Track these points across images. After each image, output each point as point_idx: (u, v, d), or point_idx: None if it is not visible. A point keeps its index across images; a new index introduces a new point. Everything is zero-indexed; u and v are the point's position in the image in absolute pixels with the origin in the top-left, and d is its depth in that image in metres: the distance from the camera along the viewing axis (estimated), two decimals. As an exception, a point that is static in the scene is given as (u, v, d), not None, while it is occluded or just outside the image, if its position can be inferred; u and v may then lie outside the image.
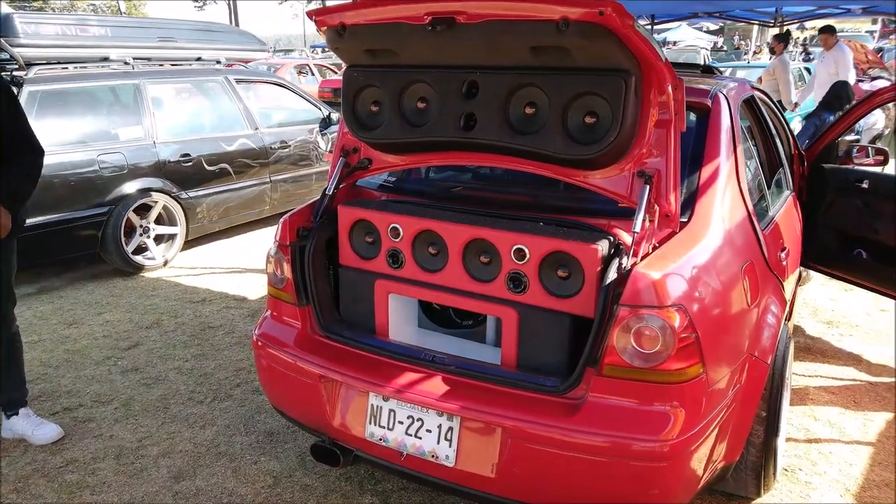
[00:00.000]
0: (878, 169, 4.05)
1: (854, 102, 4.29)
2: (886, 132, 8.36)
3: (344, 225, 2.50)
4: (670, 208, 2.11)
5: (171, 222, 5.73)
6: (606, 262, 2.06)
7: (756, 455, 2.46)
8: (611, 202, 2.28)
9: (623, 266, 2.01)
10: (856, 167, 4.09)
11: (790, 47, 14.45)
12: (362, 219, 2.46)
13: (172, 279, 5.44)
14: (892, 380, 3.63)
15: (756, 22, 9.41)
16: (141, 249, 5.62)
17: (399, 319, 2.51)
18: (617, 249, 2.10)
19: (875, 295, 4.00)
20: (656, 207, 2.11)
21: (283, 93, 7.09)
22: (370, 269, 2.47)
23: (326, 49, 34.17)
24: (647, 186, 2.10)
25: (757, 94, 3.36)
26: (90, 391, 3.59)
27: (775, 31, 9.42)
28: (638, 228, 2.05)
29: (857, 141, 6.87)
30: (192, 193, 5.81)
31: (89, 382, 3.69)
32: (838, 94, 6.42)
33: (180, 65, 6.39)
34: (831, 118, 6.32)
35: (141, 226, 5.55)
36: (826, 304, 4.72)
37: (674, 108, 2.08)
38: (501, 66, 2.12)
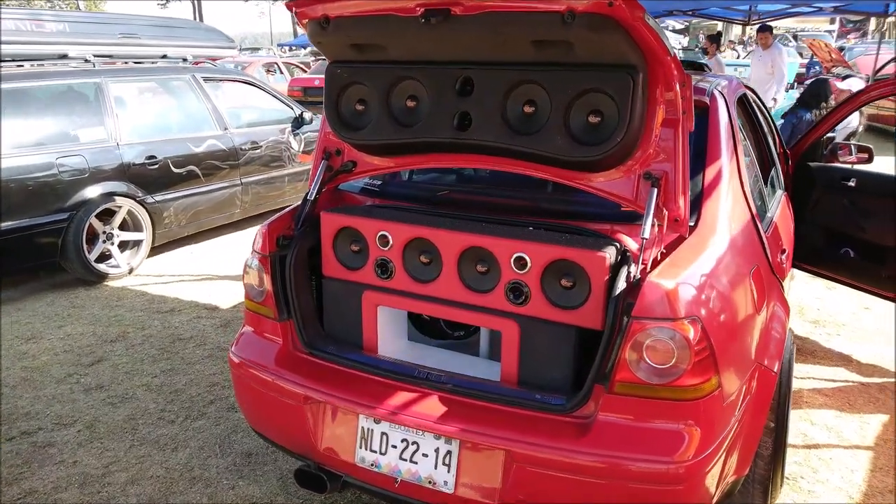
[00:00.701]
0: (864, 167, 4.00)
1: (843, 99, 4.25)
2: (860, 129, 8.43)
3: (328, 233, 2.33)
4: (679, 212, 1.99)
5: (137, 228, 5.48)
6: (614, 270, 1.92)
7: (764, 468, 2.35)
8: (613, 206, 2.15)
9: (632, 275, 1.88)
10: (842, 165, 4.05)
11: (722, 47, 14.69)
12: (347, 226, 2.29)
13: (138, 288, 5.19)
14: (884, 380, 3.57)
15: (730, 20, 9.41)
16: (104, 257, 5.35)
17: (388, 333, 2.35)
18: (624, 257, 1.97)
19: (858, 293, 3.95)
20: (665, 211, 1.99)
21: (254, 91, 6.85)
22: (357, 280, 2.31)
23: (294, 48, 33.81)
24: (655, 189, 1.98)
25: (748, 91, 3.27)
26: (50, 413, 3.36)
27: (739, 29, 9.47)
28: (647, 234, 1.92)
29: (833, 139, 6.90)
30: (158, 197, 5.57)
31: (49, 403, 3.45)
32: (816, 93, 6.43)
33: (144, 63, 6.12)
34: (808, 116, 6.32)
35: (104, 232, 5.28)
36: (811, 302, 4.68)
37: (682, 107, 1.96)
38: (499, 62, 1.98)
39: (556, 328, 2.00)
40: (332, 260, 2.34)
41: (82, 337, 4.28)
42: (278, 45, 35.91)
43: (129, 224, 5.46)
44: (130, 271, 5.44)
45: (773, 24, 9.21)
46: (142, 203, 5.44)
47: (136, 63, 6.06)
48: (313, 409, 2.19)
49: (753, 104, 3.30)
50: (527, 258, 1.99)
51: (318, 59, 18.85)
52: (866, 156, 4.08)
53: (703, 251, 2.02)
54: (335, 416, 2.16)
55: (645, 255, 1.91)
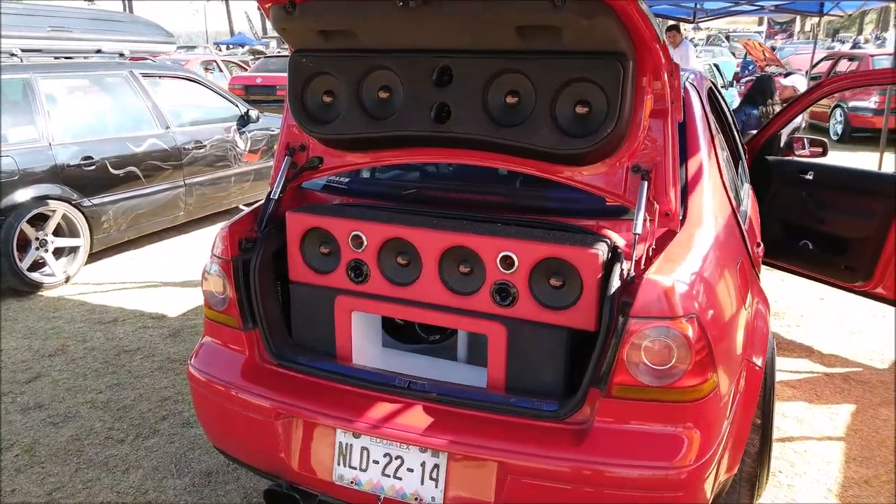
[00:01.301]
0: (821, 160, 4.06)
1: (800, 94, 4.30)
2: (803, 125, 8.66)
3: (294, 234, 2.17)
4: (670, 206, 1.92)
5: (73, 233, 5.17)
6: (606, 268, 1.83)
7: (751, 465, 2.31)
8: (598, 200, 2.07)
9: (627, 272, 1.79)
10: (799, 159, 4.10)
11: None
12: (316, 227, 2.14)
13: (77, 298, 4.87)
14: (847, 370, 3.62)
15: (676, 18, 9.57)
16: (38, 265, 5.02)
17: (363, 340, 2.21)
18: (614, 253, 1.88)
19: (813, 284, 4.00)
20: (655, 205, 1.91)
21: (197, 88, 6.55)
22: (328, 284, 2.15)
23: (231, 46, 32.97)
24: (645, 183, 1.90)
25: (712, 85, 3.25)
26: (-15, 436, 3.08)
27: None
28: (639, 229, 1.84)
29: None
30: (95, 200, 5.26)
31: (-17, 425, 3.17)
32: (762, 89, 6.53)
33: (77, 58, 5.76)
34: (755, 112, 6.43)
35: (37, 238, 4.96)
36: (768, 295, 4.73)
37: (670, 96, 1.89)
38: (479, 51, 1.86)
39: (546, 330, 1.90)
40: (300, 263, 2.18)
41: (16, 352, 3.96)
42: (214, 44, 34.99)
43: (65, 229, 5.14)
44: (67, 280, 5.12)
45: (709, 24, 9.40)
46: (78, 207, 5.13)
47: (67, 58, 5.70)
48: (284, 425, 2.03)
49: (718, 98, 3.29)
50: (514, 257, 1.88)
51: (258, 58, 18.41)
52: (820, 150, 4.14)
53: (694, 246, 1.95)
54: (309, 432, 2.01)
55: (638, 251, 1.83)
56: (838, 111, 11.76)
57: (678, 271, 1.77)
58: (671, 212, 1.92)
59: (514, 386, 1.95)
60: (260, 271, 2.15)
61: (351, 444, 1.95)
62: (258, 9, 2.07)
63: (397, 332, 2.49)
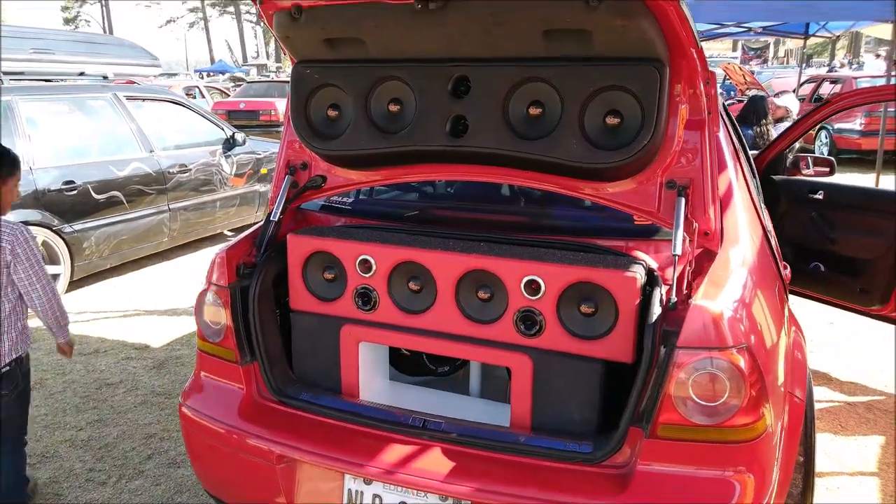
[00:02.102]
0: (829, 179, 3.95)
1: (807, 112, 4.21)
2: (796, 145, 8.64)
3: (296, 258, 2.00)
4: (710, 225, 1.77)
5: (53, 260, 4.97)
6: (643, 292, 1.67)
7: (792, 506, 2.14)
8: (625, 219, 1.92)
9: (669, 298, 1.63)
10: (807, 178, 4.00)
11: None
12: (320, 250, 1.97)
13: (56, 327, 4.62)
14: (869, 399, 3.47)
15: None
16: (15, 294, 4.77)
17: (370, 374, 2.03)
18: (651, 277, 1.72)
19: (821, 308, 3.87)
20: (694, 224, 1.76)
21: (182, 111, 6.38)
22: (333, 312, 1.98)
23: (212, 73, 32.93)
24: (682, 199, 1.74)
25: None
26: (-47, 480, 2.83)
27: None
28: (678, 250, 1.68)
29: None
30: (77, 226, 5.07)
31: (-48, 468, 2.92)
32: (754, 110, 6.49)
33: (60, 80, 5.58)
34: (749, 132, 6.36)
35: (15, 266, 4.71)
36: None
37: (706, 106, 1.75)
38: (500, 58, 1.71)
39: (577, 362, 1.73)
40: (302, 290, 2.01)
41: (-10, 387, 3.71)
42: (195, 71, 34.94)
43: (45, 256, 4.90)
44: (46, 309, 4.86)
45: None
46: (58, 233, 4.94)
47: (48, 81, 5.52)
48: (286, 470, 1.83)
49: (729, 115, 3.18)
50: (540, 282, 1.72)
51: (239, 85, 18.36)
52: (827, 169, 4.04)
53: (737, 269, 1.80)
54: (314, 477, 1.81)
55: (680, 274, 1.67)
56: (823, 133, 11.82)
57: (726, 296, 1.61)
58: (711, 231, 1.77)
59: (542, 424, 1.77)
60: (259, 299, 1.97)
61: (361, 492, 1.76)
62: (254, 25, 1.93)
63: (400, 362, 2.31)
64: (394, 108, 1.85)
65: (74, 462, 2.97)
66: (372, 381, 2.03)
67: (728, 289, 1.65)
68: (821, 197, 3.77)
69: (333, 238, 1.96)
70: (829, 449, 3.00)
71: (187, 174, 5.98)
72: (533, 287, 1.74)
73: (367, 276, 1.91)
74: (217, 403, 1.98)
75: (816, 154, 11.81)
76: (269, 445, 1.85)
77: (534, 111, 1.74)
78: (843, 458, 2.93)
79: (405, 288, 1.90)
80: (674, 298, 1.63)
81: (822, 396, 3.50)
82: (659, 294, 1.65)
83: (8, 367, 2.29)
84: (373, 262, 1.89)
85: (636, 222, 1.92)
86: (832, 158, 4.06)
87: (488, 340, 1.82)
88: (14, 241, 2.25)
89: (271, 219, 2.09)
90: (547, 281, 1.72)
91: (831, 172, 4.04)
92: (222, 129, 6.55)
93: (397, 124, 1.86)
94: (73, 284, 5.18)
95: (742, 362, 1.54)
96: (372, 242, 1.91)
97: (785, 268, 2.56)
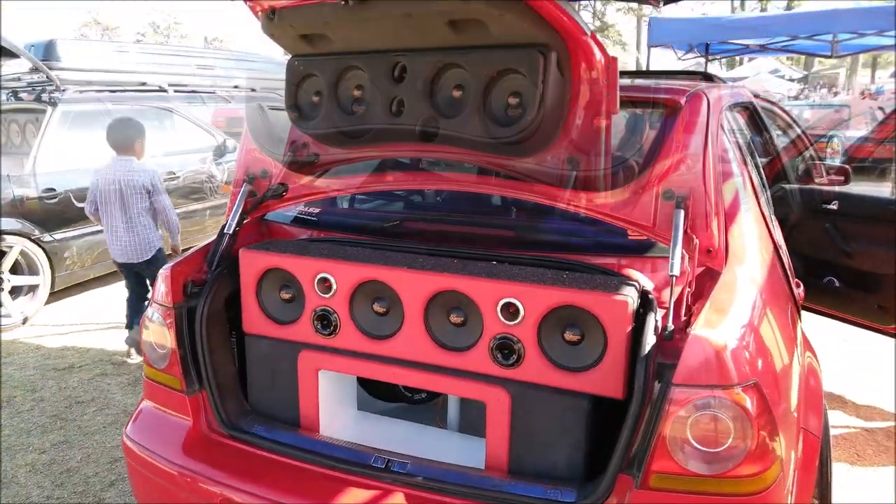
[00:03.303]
0: (845, 189, 3.73)
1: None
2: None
3: (249, 277, 1.80)
4: (712, 241, 1.56)
5: (32, 271, 4.81)
6: (636, 319, 1.46)
7: (805, 556, 1.91)
8: (617, 234, 1.71)
9: (665, 326, 1.42)
10: (821, 187, 3.77)
11: None
12: (275, 267, 1.77)
13: (33, 341, 4.45)
14: (888, 424, 3.23)
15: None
16: (-8, 305, 4.61)
17: (332, 405, 1.82)
18: (645, 300, 1.51)
19: (834, 324, 3.63)
20: (695, 240, 1.55)
21: (170, 117, 6.20)
22: (289, 337, 1.78)
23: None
24: (681, 212, 1.53)
25: (755, 101, 2.93)
26: None
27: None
28: (676, 270, 1.47)
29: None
30: (57, 235, 4.89)
31: None
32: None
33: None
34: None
35: (-9, 277, 4.56)
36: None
37: (605, 88, 1.58)
38: (427, 48, 1.67)
39: (560, 396, 1.52)
40: (257, 312, 1.81)
41: (-46, 405, 3.53)
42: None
43: (23, 267, 4.76)
44: (25, 321, 4.74)
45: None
46: (38, 242, 4.77)
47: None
48: (234, 514, 1.62)
49: (762, 120, 2.97)
50: (519, 305, 1.51)
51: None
52: (842, 178, 3.82)
53: (743, 292, 1.58)
54: (264, 525, 1.60)
55: (675, 296, 1.46)
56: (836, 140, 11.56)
57: (730, 324, 1.40)
58: (713, 248, 1.56)
59: (520, 467, 1.56)
60: (208, 321, 1.77)
61: (315, 542, 1.54)
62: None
63: (372, 387, 2.11)
64: (357, 92, 1.80)
65: (31, 489, 2.77)
66: (335, 412, 1.83)
67: (733, 315, 1.43)
68: (835, 207, 3.55)
69: (290, 254, 1.76)
70: (845, 480, 2.77)
71: (176, 182, 5.81)
72: (511, 311, 1.53)
73: (326, 296, 1.71)
74: (161, 437, 1.78)
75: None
76: (215, 486, 1.64)
77: (456, 94, 1.67)
78: (860, 491, 2.70)
79: (369, 310, 1.70)
80: (670, 326, 1.42)
81: (837, 422, 3.26)
82: (654, 320, 1.44)
83: None
84: (333, 280, 1.69)
85: (630, 237, 1.71)
86: (847, 167, 3.83)
87: (461, 371, 1.61)
88: (152, 177, 3.86)
89: (225, 231, 1.89)
90: (526, 304, 1.51)
91: (847, 181, 3.82)
92: (213, 136, 6.37)
93: (359, 106, 1.76)
94: (53, 296, 5.01)
95: (749, 402, 1.32)
96: (332, 259, 1.71)
97: (798, 286, 2.34)
